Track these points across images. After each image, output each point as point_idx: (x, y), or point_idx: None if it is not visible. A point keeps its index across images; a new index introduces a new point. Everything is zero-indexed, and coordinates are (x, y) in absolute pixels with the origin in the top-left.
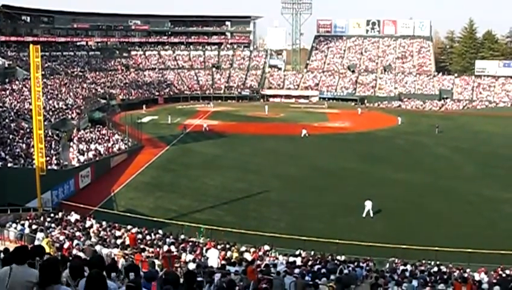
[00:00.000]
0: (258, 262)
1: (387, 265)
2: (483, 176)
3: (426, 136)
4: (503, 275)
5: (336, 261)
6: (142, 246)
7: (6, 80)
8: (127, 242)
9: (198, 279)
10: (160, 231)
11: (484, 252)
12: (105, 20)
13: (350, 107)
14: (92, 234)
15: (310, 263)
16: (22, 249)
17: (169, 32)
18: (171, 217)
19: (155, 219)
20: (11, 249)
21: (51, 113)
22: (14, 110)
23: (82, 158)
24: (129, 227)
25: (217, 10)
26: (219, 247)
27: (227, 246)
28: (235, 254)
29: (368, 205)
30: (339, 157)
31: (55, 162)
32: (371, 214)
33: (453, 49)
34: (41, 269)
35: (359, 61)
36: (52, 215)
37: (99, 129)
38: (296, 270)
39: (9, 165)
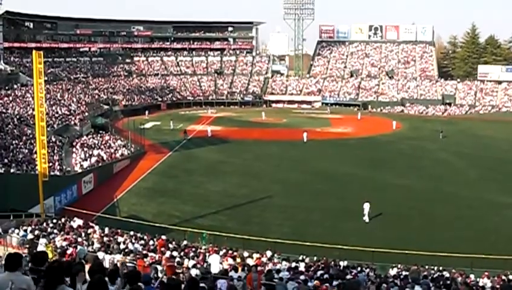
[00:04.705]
0: (260, 268)
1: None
2: (486, 181)
3: (429, 141)
4: (507, 280)
5: (338, 267)
6: (144, 252)
7: (10, 86)
8: (130, 247)
9: (201, 285)
10: (163, 237)
11: (487, 257)
12: (108, 26)
13: (353, 112)
14: (94, 240)
15: (312, 268)
16: (14, 256)
17: (172, 38)
18: (174, 222)
19: (158, 224)
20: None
21: (53, 119)
22: (17, 116)
23: (85, 164)
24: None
25: (220, 16)
26: (221, 253)
27: (230, 251)
28: (238, 260)
29: (366, 207)
30: (341, 163)
31: (58, 167)
32: (368, 218)
33: (455, 54)
34: (46, 272)
35: (362, 67)
36: (54, 221)
37: (102, 135)
38: (299, 276)
39: (12, 170)
